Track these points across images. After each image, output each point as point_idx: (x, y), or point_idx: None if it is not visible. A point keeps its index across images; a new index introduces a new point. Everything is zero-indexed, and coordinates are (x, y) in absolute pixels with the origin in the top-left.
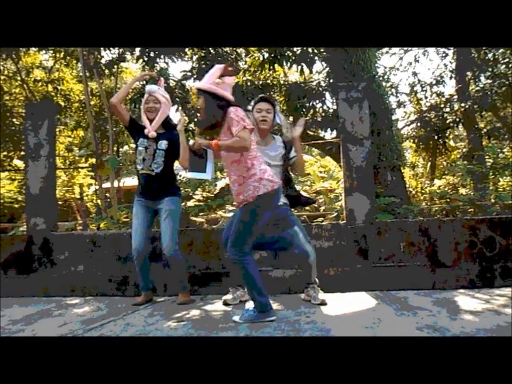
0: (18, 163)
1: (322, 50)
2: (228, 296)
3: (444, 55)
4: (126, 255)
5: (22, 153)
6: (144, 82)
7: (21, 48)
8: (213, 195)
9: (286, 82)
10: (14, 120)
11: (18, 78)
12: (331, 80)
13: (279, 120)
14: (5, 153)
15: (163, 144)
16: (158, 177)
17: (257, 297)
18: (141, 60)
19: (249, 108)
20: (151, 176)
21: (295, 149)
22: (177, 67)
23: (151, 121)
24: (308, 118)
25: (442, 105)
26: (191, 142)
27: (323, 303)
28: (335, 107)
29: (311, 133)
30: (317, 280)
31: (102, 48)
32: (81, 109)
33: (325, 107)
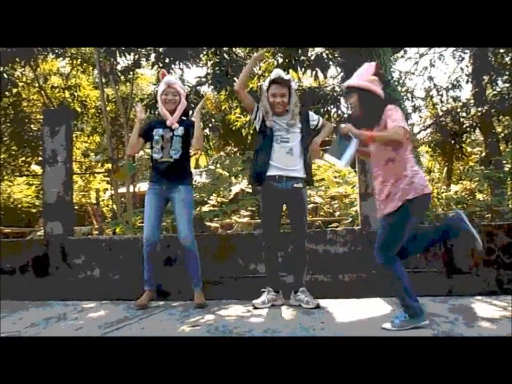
0: (36, 168)
1: (336, 55)
2: (259, 300)
3: (460, 59)
4: (141, 260)
5: (40, 158)
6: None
7: (39, 55)
8: (227, 200)
9: (301, 87)
10: (32, 126)
11: (36, 85)
12: None
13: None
14: (23, 158)
15: (179, 130)
16: (176, 164)
17: (408, 301)
18: (156, 66)
19: (264, 87)
20: (170, 163)
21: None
22: (191, 73)
23: (170, 112)
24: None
25: (458, 110)
26: (342, 125)
27: (319, 306)
28: (349, 112)
29: (326, 138)
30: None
31: (117, 55)
32: (97, 115)
33: (339, 112)
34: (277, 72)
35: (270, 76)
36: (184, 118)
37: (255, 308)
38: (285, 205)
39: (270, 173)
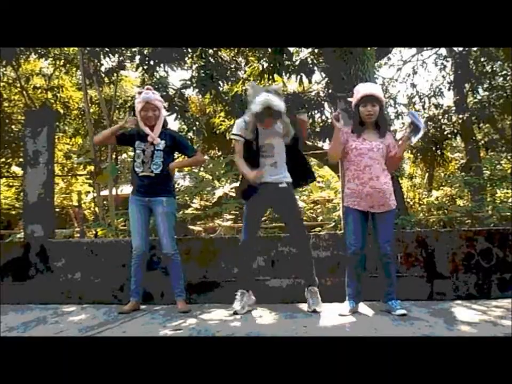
0: (17, 170)
1: (321, 60)
2: (237, 306)
3: (442, 66)
4: (123, 263)
5: (21, 160)
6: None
7: (21, 55)
8: (210, 204)
9: (285, 92)
10: (13, 127)
11: (18, 85)
12: (330, 91)
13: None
14: (3, 159)
15: (160, 144)
16: (157, 178)
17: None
18: (140, 68)
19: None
20: (151, 177)
21: None
22: (176, 76)
23: (150, 127)
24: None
25: (440, 117)
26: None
27: (315, 311)
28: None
29: (310, 143)
30: (317, 280)
31: (101, 56)
32: (80, 116)
33: (323, 117)
34: (268, 101)
35: (261, 102)
36: (164, 129)
37: (236, 314)
38: (271, 209)
39: None
